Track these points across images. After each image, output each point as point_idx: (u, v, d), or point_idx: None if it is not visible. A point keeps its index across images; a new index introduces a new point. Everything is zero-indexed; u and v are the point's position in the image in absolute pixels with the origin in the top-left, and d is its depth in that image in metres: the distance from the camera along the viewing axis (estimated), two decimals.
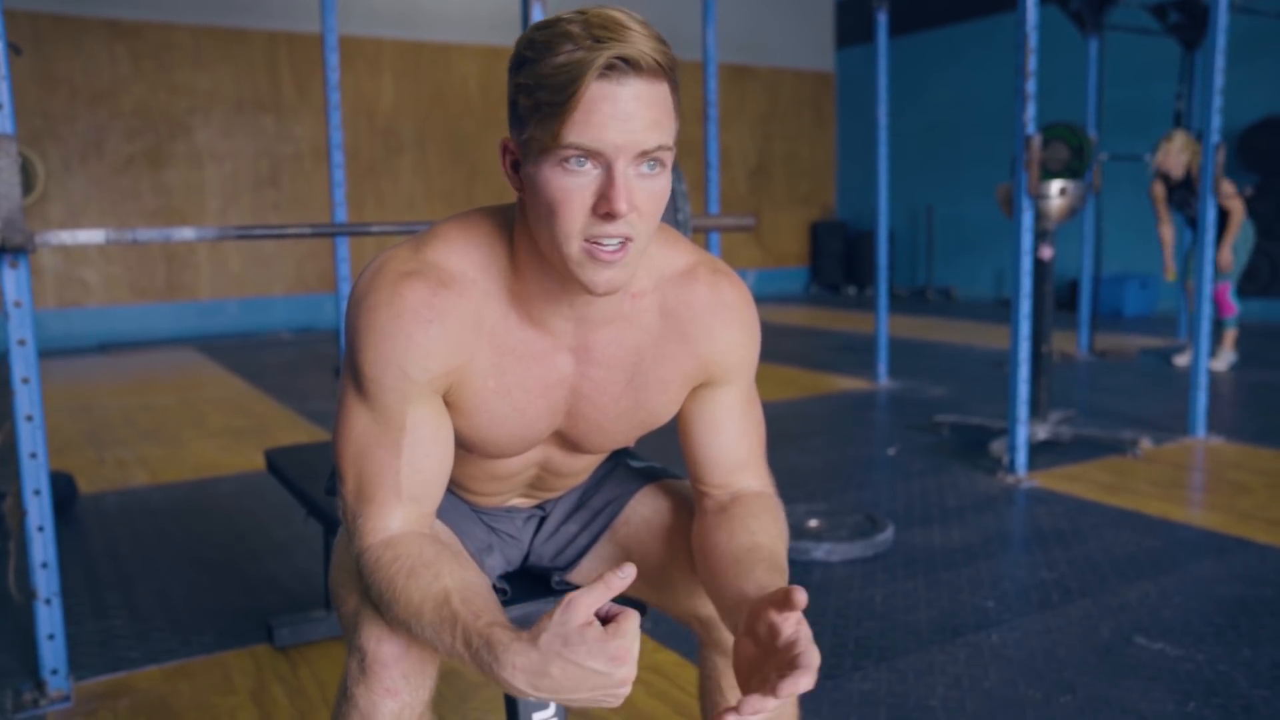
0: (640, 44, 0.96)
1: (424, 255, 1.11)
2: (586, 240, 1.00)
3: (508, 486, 1.34)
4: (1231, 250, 5.96)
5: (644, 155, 0.99)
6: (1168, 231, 6.24)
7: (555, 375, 1.16)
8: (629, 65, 0.96)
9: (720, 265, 1.22)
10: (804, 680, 0.92)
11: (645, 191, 1.00)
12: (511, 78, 1.02)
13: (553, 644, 0.92)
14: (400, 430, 1.10)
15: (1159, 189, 6.09)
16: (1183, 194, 5.93)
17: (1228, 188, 5.85)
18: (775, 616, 0.98)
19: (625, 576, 0.93)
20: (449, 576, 1.04)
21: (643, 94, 0.97)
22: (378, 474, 1.10)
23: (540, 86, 0.97)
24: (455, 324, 1.09)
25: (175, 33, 9.02)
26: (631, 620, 0.94)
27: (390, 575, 1.06)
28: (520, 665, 0.93)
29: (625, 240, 1.01)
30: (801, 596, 0.97)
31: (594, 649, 0.91)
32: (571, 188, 0.99)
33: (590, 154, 0.97)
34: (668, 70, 0.99)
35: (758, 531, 1.17)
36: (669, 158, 1.02)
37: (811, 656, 0.94)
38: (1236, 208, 5.84)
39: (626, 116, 0.96)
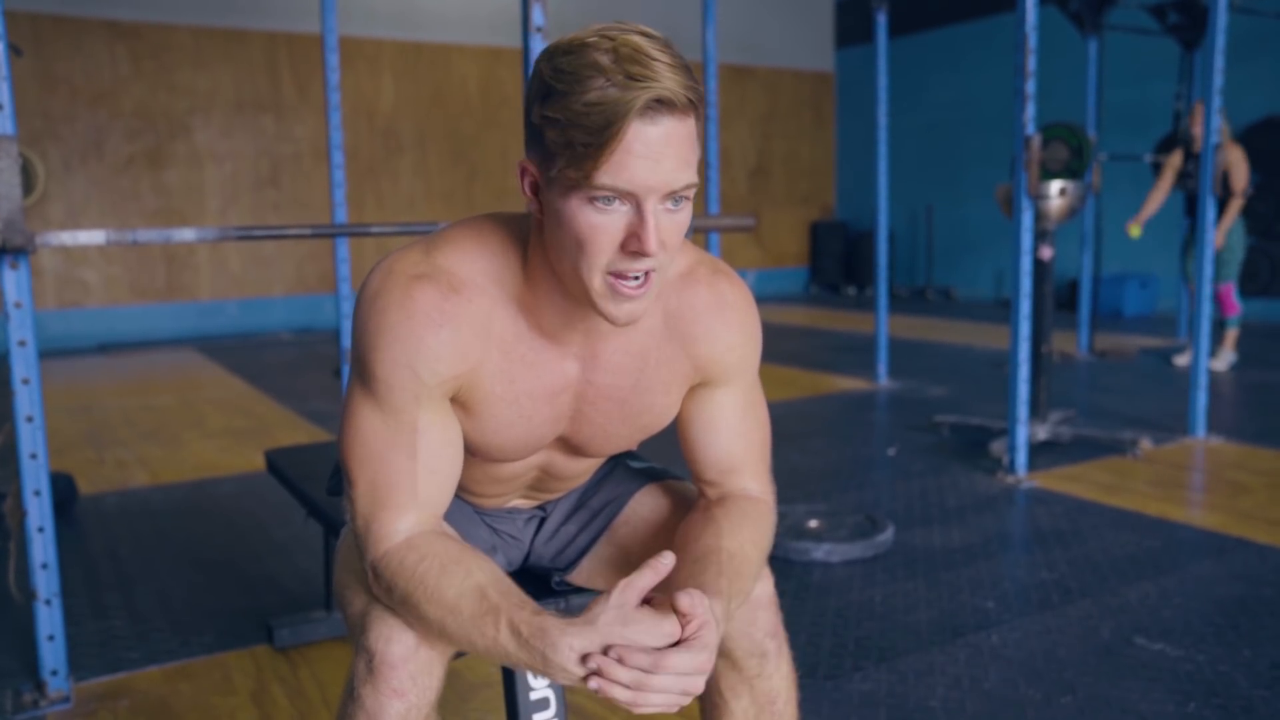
0: (671, 80, 0.95)
1: (435, 259, 1.11)
2: (611, 274, 1.01)
3: (510, 488, 1.34)
4: (1227, 246, 5.97)
5: (672, 194, 0.99)
6: (1158, 197, 6.28)
7: (562, 382, 1.16)
8: (663, 105, 0.95)
9: (720, 265, 1.22)
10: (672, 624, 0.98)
11: (671, 224, 1.01)
12: (537, 106, 1.00)
13: (612, 624, 0.95)
14: (413, 433, 1.09)
15: (1177, 159, 6.09)
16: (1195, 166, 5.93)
17: (1235, 153, 5.85)
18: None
19: (668, 563, 0.99)
20: (480, 572, 1.05)
21: (674, 132, 0.97)
22: (393, 477, 1.10)
23: (574, 125, 0.96)
24: (465, 329, 1.09)
25: (175, 33, 9.03)
26: (686, 600, 0.98)
27: (420, 574, 1.06)
28: (578, 647, 0.95)
29: (649, 273, 1.02)
30: (668, 558, 1.01)
31: (650, 627, 0.96)
32: (600, 225, 0.99)
33: (622, 195, 0.98)
34: (696, 104, 0.99)
35: (726, 534, 1.17)
36: (693, 193, 1.03)
37: (707, 638, 0.98)
38: (1238, 177, 5.84)
39: (658, 158, 0.97)
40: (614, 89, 0.94)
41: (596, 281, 1.02)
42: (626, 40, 0.96)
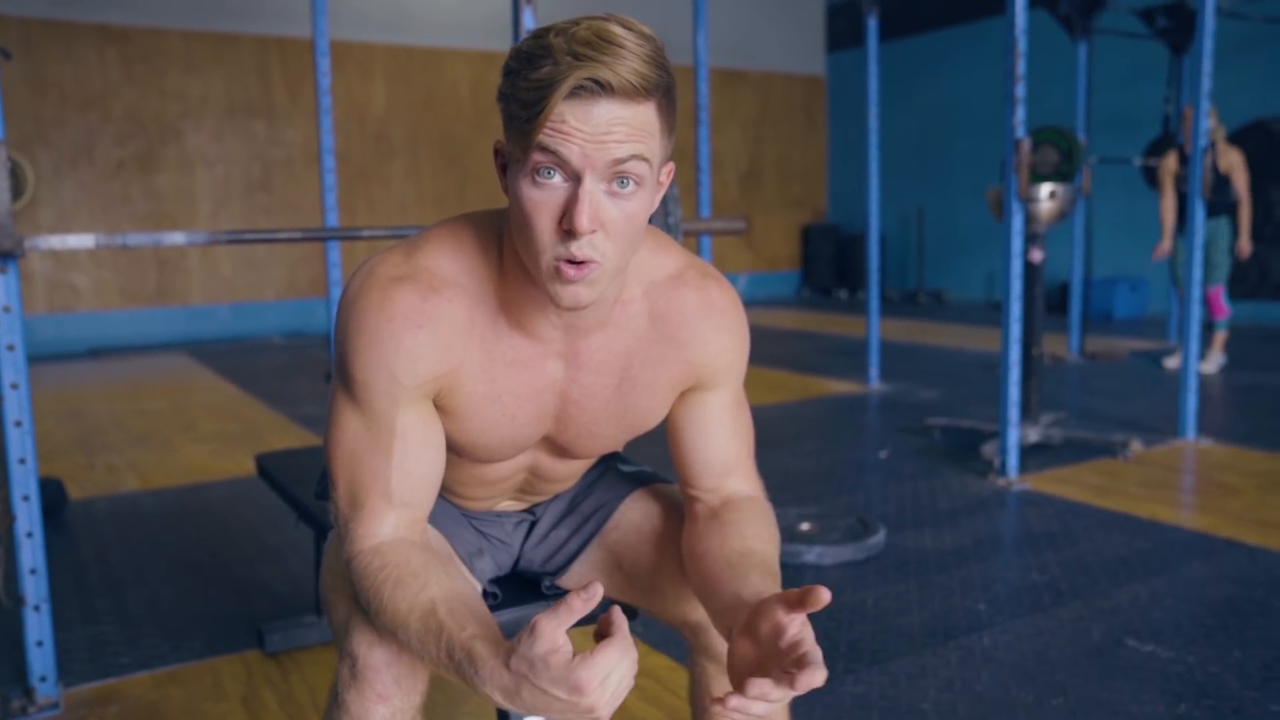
0: (622, 64, 0.94)
1: (415, 260, 1.11)
2: (555, 257, 1.00)
3: (497, 490, 1.34)
4: (1217, 249, 5.99)
5: (615, 166, 0.96)
6: (1170, 206, 6.15)
7: (544, 381, 1.16)
8: (600, 87, 0.94)
9: (709, 269, 1.21)
10: (818, 675, 0.91)
11: (615, 210, 0.98)
12: (500, 87, 1.02)
13: (519, 667, 0.90)
14: (390, 435, 1.09)
15: (1172, 162, 6.10)
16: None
17: (1235, 156, 5.87)
18: (782, 616, 0.97)
19: (589, 598, 0.88)
20: (436, 586, 1.04)
21: (617, 114, 0.95)
22: (369, 479, 1.10)
23: (514, 99, 0.97)
24: (445, 329, 1.09)
25: (166, 37, 9.01)
26: (605, 651, 0.90)
27: (378, 584, 1.05)
28: (495, 684, 0.93)
29: (588, 262, 0.99)
30: (824, 595, 0.94)
31: (556, 676, 0.88)
32: (539, 201, 0.98)
33: (558, 164, 0.96)
34: (651, 91, 0.96)
35: (750, 537, 1.17)
36: (645, 174, 0.99)
37: (818, 654, 0.93)
38: (1241, 181, 5.86)
39: (596, 134, 0.95)
40: (554, 68, 0.94)
41: (544, 262, 1.00)
42: (593, 24, 0.96)
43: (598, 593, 0.89)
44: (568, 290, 1.01)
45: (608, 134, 0.95)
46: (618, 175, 0.97)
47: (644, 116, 0.97)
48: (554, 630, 0.89)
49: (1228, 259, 6.08)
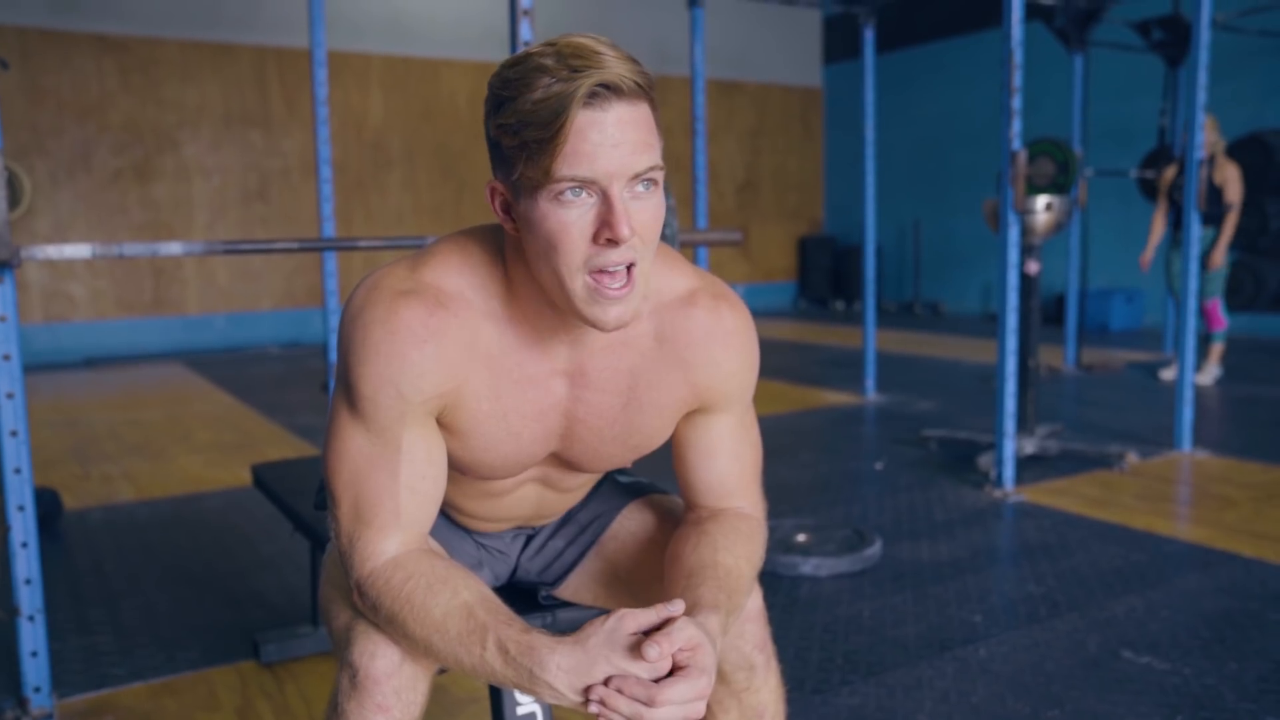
0: (616, 68, 0.96)
1: (421, 275, 1.10)
2: (591, 274, 1.00)
3: (503, 511, 1.32)
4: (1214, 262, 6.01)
5: (637, 177, 0.99)
6: (1161, 217, 6.27)
7: (550, 399, 1.16)
8: (610, 90, 0.96)
9: (722, 290, 1.20)
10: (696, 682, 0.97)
11: (643, 212, 1.01)
12: (491, 120, 1.01)
13: (600, 648, 0.96)
14: (396, 451, 1.09)
15: (1170, 172, 6.12)
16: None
17: (1232, 170, 5.90)
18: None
19: (676, 609, 0.99)
20: (466, 590, 1.05)
21: (627, 117, 0.97)
22: (375, 496, 1.09)
23: (525, 124, 0.97)
24: (451, 346, 1.08)
25: (163, 47, 9.02)
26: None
27: (407, 593, 1.05)
28: (565, 666, 0.96)
29: (630, 267, 1.01)
30: (674, 608, 1.00)
31: (639, 657, 0.95)
32: (570, 219, 0.99)
33: (585, 183, 0.97)
34: (647, 90, 0.99)
35: (721, 549, 1.17)
36: (660, 176, 1.02)
37: (698, 659, 0.98)
38: (1235, 194, 5.89)
39: (615, 142, 0.96)
40: (559, 83, 0.95)
41: (578, 285, 1.01)
42: (568, 41, 0.98)
43: (681, 607, 1.00)
44: (612, 310, 1.02)
45: (623, 138, 0.97)
46: (640, 180, 1.00)
47: (646, 115, 1.00)
48: (639, 622, 0.97)
49: (1223, 272, 6.10)
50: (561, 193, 0.98)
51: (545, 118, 0.95)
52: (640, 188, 1.00)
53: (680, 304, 1.17)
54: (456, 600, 1.04)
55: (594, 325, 1.03)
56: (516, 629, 1.00)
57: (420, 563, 1.08)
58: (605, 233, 0.98)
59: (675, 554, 1.19)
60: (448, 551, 1.29)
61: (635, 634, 0.97)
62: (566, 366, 1.15)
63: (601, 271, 1.00)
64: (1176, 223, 6.12)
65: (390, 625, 1.08)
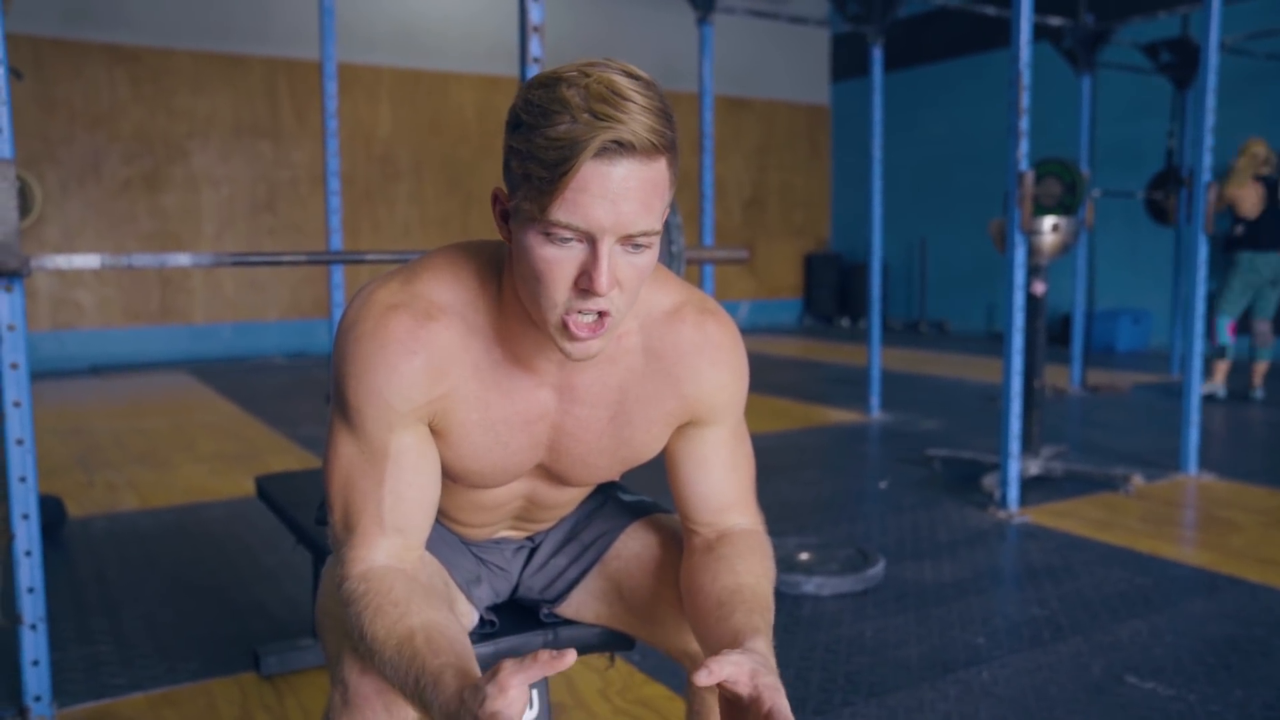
0: (638, 122, 0.94)
1: (412, 287, 1.12)
2: (565, 313, 1.01)
3: (495, 517, 1.34)
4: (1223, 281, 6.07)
5: (629, 239, 0.99)
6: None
7: (538, 410, 1.17)
8: (623, 147, 0.94)
9: (708, 304, 1.21)
10: None
11: (630, 267, 1.01)
12: (507, 135, 1.01)
13: (470, 701, 0.91)
14: (384, 460, 1.10)
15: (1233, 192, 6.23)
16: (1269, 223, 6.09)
17: (1248, 191, 6.01)
18: (728, 690, 0.98)
19: (559, 660, 0.89)
20: (415, 616, 1.04)
21: (635, 174, 0.96)
22: (361, 504, 1.11)
23: (532, 158, 0.96)
24: (439, 356, 1.10)
25: (175, 58, 9.07)
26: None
27: (360, 610, 1.06)
28: (443, 710, 0.94)
29: (602, 315, 1.01)
30: (717, 671, 0.96)
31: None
32: (554, 259, 0.99)
33: (577, 232, 0.97)
34: (665, 148, 0.97)
35: (742, 572, 1.17)
36: (656, 240, 1.01)
37: (780, 703, 0.95)
38: (1248, 208, 6.03)
39: (616, 198, 0.95)
40: (575, 126, 0.93)
41: (553, 317, 1.02)
42: (602, 77, 0.95)
43: (571, 659, 0.90)
44: (578, 346, 1.03)
45: (625, 197, 0.96)
46: (631, 241, 0.99)
47: (658, 173, 0.98)
48: (518, 682, 0.89)
49: (1234, 290, 6.21)
50: (552, 234, 0.98)
51: (553, 160, 0.94)
52: (631, 248, 0.99)
53: (667, 318, 1.18)
54: (400, 625, 1.03)
55: (563, 354, 1.05)
56: (439, 662, 0.98)
57: (384, 580, 1.08)
58: (584, 281, 0.98)
59: (695, 586, 1.19)
60: (446, 566, 1.29)
61: (506, 697, 0.89)
62: (555, 380, 1.16)
63: (574, 312, 1.01)
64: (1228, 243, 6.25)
65: (350, 636, 1.09)
